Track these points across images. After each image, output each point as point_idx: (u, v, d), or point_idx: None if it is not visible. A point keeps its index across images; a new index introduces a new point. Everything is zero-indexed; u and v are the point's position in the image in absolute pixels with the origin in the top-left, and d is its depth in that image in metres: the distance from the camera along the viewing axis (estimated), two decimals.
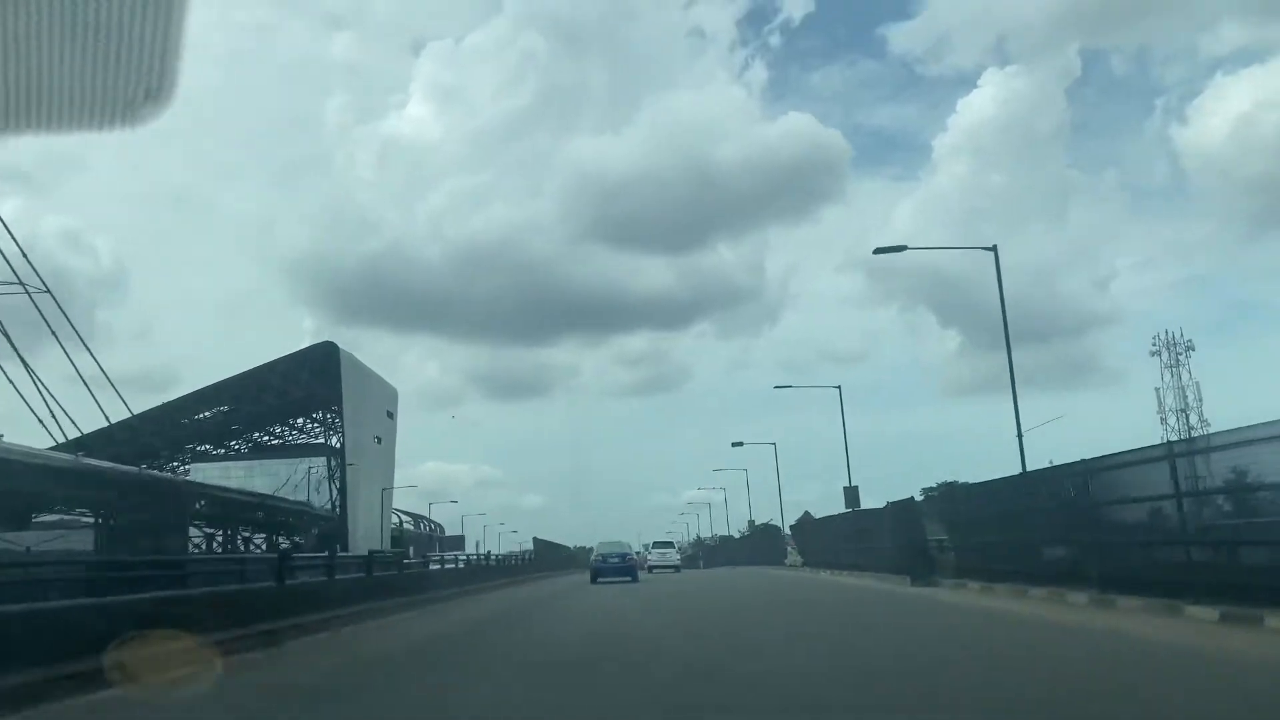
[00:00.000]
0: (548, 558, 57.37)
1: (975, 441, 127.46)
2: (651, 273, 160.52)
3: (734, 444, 56.57)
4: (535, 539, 61.27)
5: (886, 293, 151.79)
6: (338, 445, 66.28)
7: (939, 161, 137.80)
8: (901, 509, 25.99)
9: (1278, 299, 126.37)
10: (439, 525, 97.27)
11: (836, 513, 38.59)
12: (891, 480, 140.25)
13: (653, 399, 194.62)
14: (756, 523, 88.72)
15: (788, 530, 56.67)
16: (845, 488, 38.04)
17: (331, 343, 65.78)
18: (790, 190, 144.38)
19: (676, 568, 50.15)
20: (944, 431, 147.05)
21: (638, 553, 48.10)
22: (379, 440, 72.43)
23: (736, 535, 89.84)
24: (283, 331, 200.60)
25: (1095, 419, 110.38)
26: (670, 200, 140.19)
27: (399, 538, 69.35)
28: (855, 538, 32.32)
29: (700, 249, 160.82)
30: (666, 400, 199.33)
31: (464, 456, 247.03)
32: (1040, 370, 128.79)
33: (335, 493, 65.21)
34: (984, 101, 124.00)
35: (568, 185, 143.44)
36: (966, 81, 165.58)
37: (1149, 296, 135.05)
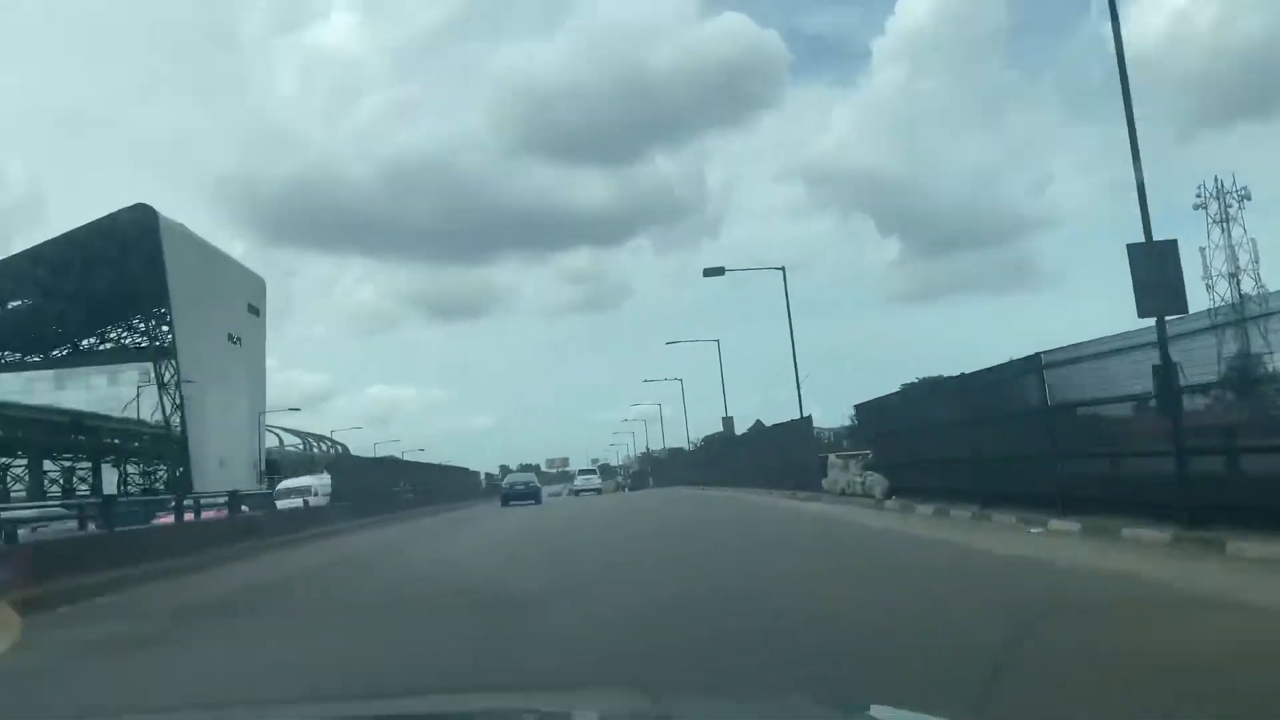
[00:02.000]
0: (446, 488, 51.72)
1: (919, 349, 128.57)
2: (589, 186, 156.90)
3: (669, 343, 52.84)
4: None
5: (825, 201, 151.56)
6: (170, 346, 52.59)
7: (878, 66, 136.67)
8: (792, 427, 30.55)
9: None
10: (342, 446, 73.40)
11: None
12: (840, 390, 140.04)
13: (594, 316, 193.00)
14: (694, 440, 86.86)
15: None
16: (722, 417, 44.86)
17: (146, 205, 49.86)
18: (727, 96, 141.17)
19: (598, 490, 58.28)
20: (890, 340, 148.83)
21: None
22: (236, 341, 56.20)
23: (688, 448, 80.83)
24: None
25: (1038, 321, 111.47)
26: (605, 109, 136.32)
27: (276, 463, 55.61)
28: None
29: (637, 160, 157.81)
30: (608, 317, 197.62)
31: (410, 380, 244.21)
32: (981, 275, 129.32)
33: (171, 408, 52.48)
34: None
35: (499, 96, 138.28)
36: None
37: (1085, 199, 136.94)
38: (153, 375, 53.73)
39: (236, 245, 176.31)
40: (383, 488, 35.70)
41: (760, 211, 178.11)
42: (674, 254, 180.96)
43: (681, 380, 61.54)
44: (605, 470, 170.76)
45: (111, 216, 49.17)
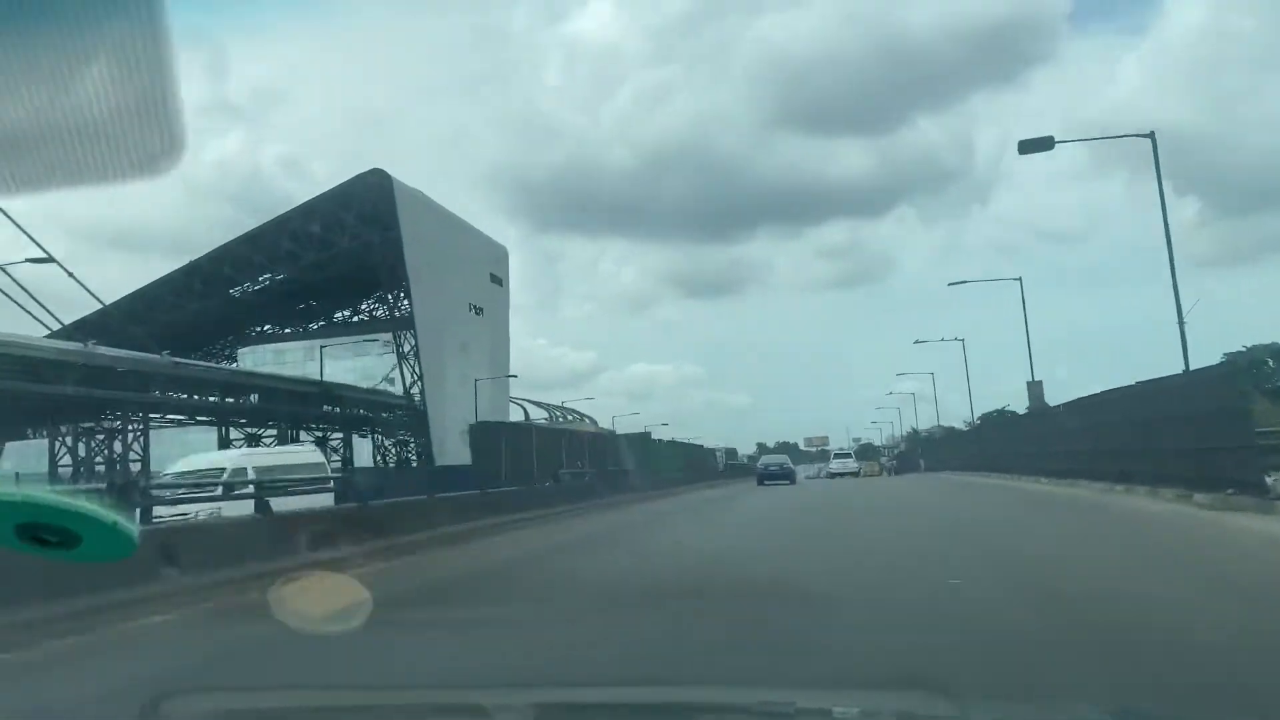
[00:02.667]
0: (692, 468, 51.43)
1: (1231, 316, 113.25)
2: (848, 157, 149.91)
3: (916, 342, 54.49)
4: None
5: (1110, 161, 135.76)
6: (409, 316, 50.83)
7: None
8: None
9: None
10: (588, 418, 69.96)
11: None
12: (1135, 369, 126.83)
13: (855, 291, 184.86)
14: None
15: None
16: (1028, 383, 36.99)
17: (380, 170, 48.25)
18: (997, 53, 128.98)
19: (855, 473, 57.08)
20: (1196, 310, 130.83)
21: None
22: (478, 310, 54.46)
23: (964, 426, 69.86)
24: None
25: None
26: (863, 77, 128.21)
27: None
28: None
29: (899, 127, 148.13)
30: (870, 291, 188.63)
31: (668, 357, 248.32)
32: None
33: (412, 379, 51.19)
34: None
35: (754, 71, 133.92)
36: None
37: None
38: (393, 345, 52.56)
39: (511, 231, 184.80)
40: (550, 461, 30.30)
41: (1036, 176, 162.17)
42: (941, 223, 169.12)
43: (963, 341, 52.84)
44: (866, 451, 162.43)
45: (349, 184, 48.25)
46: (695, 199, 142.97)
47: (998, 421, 52.68)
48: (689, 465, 52.95)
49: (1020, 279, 37.29)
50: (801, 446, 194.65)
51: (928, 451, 70.52)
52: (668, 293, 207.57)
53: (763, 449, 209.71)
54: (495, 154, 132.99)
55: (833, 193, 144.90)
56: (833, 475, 55.47)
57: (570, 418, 72.27)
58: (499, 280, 59.45)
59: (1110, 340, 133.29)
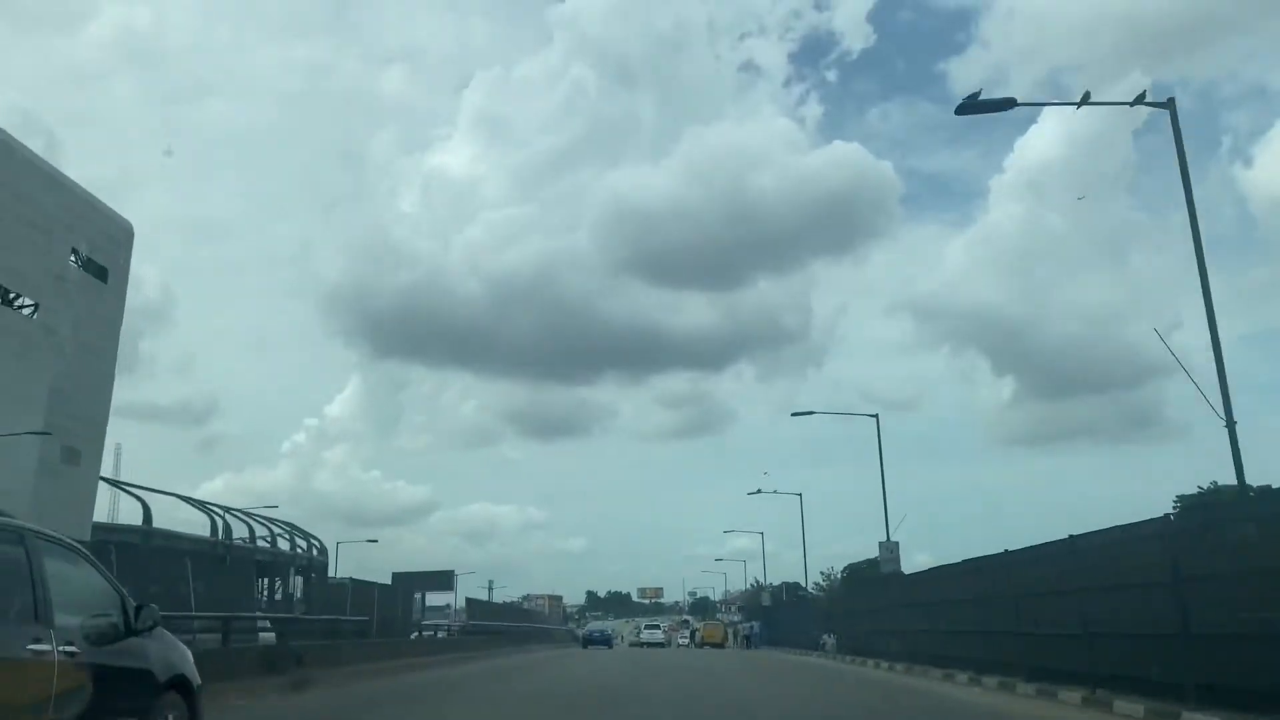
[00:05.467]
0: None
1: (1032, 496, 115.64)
2: (691, 310, 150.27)
3: (750, 493, 53.30)
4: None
5: (936, 337, 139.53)
6: None
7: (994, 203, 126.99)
8: None
9: None
10: (317, 545, 51.27)
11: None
12: (943, 536, 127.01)
13: (695, 442, 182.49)
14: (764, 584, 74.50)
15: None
16: (881, 543, 33.22)
17: None
18: (837, 225, 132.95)
19: (662, 644, 59.59)
20: (1000, 486, 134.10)
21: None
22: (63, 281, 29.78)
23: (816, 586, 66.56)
24: (320, 363, 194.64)
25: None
26: (710, 233, 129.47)
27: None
28: None
29: (741, 285, 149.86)
30: (709, 443, 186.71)
31: (509, 497, 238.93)
32: (1100, 421, 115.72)
33: None
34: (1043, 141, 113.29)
35: (606, 218, 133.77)
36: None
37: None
38: None
39: (350, 354, 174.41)
40: None
41: (868, 344, 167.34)
42: (777, 382, 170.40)
43: (800, 495, 52.59)
44: (701, 606, 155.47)
45: None
46: (542, 337, 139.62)
47: (860, 581, 46.33)
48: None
49: (877, 415, 34.82)
50: (635, 598, 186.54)
51: (767, 618, 60.71)
52: (510, 430, 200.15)
53: (593, 598, 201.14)
54: (339, 274, 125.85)
55: (676, 343, 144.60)
56: (644, 644, 58.05)
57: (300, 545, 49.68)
58: (102, 271, 32.38)
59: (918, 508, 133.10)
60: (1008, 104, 15.50)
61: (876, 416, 34.75)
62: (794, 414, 40.16)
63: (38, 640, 5.05)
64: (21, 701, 4.90)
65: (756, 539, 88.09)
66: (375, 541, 65.52)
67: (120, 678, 5.83)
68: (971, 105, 15.37)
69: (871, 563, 44.42)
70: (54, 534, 5.83)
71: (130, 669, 5.96)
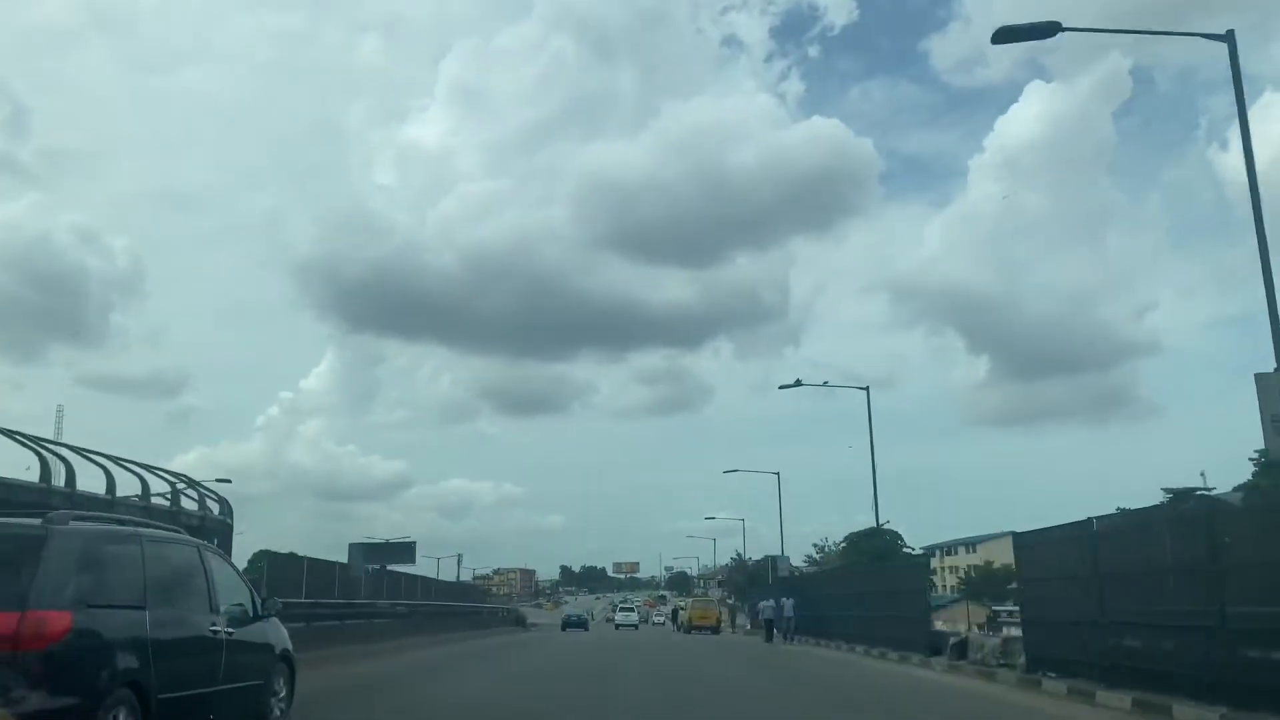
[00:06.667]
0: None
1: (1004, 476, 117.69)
2: (669, 286, 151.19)
3: (726, 471, 54.63)
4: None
5: (912, 316, 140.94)
6: None
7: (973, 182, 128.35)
8: None
9: None
10: (216, 502, 27.12)
11: None
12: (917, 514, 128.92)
13: (672, 419, 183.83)
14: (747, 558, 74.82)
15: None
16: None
17: None
18: (816, 203, 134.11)
19: (635, 626, 58.24)
20: (972, 464, 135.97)
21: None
22: None
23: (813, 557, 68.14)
24: (294, 336, 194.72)
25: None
26: (688, 209, 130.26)
27: None
28: None
29: (719, 262, 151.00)
30: (686, 420, 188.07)
31: (486, 474, 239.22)
32: (1073, 402, 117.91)
33: None
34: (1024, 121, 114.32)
35: (583, 192, 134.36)
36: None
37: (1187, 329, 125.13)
38: None
39: (323, 327, 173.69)
40: None
41: (845, 321, 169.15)
42: (754, 360, 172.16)
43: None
44: (679, 581, 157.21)
45: None
46: (519, 312, 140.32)
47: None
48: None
49: (868, 388, 32.92)
50: (610, 572, 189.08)
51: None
52: (487, 406, 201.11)
53: (567, 574, 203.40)
54: (313, 246, 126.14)
55: (654, 320, 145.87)
56: (618, 626, 57.90)
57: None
58: None
59: (912, 487, 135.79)
60: (1051, 29, 13.61)
61: (867, 389, 33.09)
62: (781, 386, 39.11)
63: (214, 624, 7.32)
64: (207, 667, 7.17)
65: (736, 515, 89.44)
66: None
67: (254, 650, 8.12)
68: (1010, 32, 13.86)
69: (869, 533, 43.41)
70: (213, 545, 8.10)
71: (259, 644, 8.25)
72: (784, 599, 35.71)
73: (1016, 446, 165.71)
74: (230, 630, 7.59)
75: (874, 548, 42.02)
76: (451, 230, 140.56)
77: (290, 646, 8.95)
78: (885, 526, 49.17)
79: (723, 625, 49.30)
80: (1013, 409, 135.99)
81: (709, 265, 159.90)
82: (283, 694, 8.60)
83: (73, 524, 6.28)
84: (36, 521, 6.08)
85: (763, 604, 38.91)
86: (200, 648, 7.16)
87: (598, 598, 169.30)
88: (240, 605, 8.10)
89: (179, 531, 8.15)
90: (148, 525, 7.70)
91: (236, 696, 7.63)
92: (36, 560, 5.72)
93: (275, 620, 8.85)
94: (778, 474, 51.22)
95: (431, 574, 58.34)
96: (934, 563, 71.12)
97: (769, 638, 34.98)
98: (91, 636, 5.86)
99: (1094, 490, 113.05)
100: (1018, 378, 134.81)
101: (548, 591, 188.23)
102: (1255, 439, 11.73)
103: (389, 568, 38.05)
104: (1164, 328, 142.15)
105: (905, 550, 52.50)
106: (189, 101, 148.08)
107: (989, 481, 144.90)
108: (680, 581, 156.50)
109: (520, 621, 55.67)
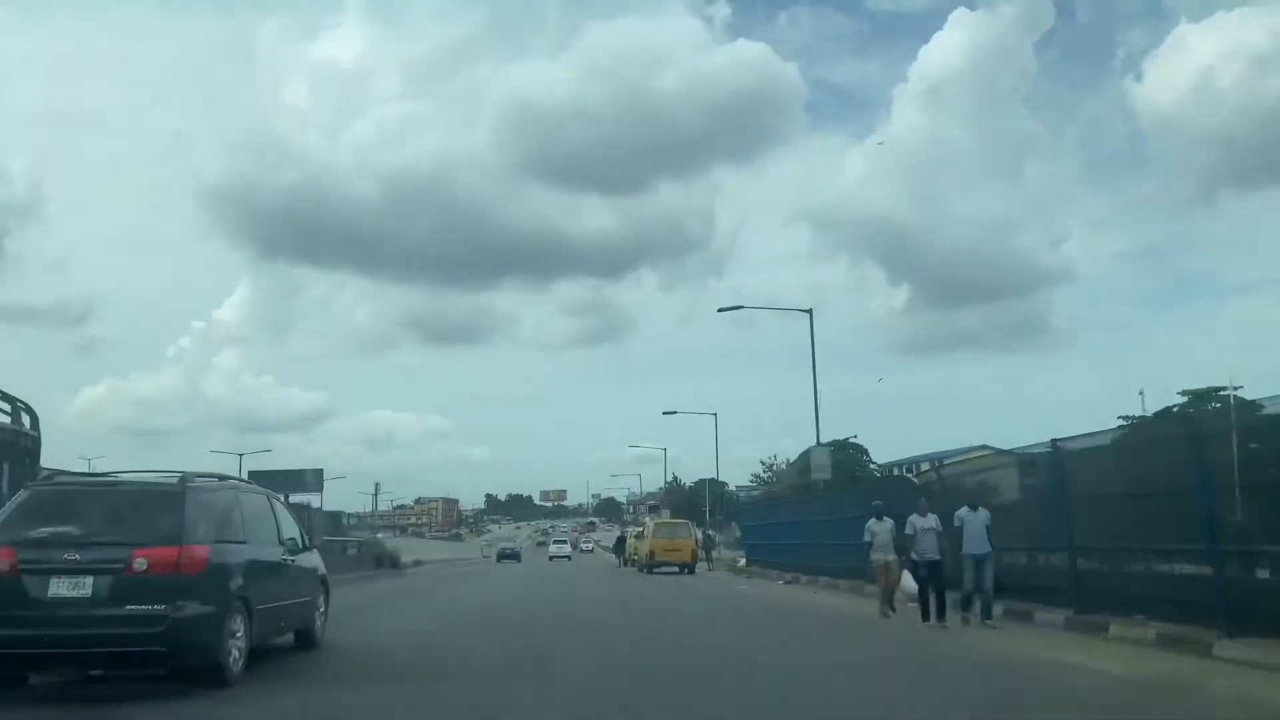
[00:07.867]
0: None
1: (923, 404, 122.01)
2: (593, 214, 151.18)
3: (665, 413, 58.59)
4: None
5: (834, 245, 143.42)
6: None
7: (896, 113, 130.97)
8: None
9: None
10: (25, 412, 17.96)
11: None
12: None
13: (597, 350, 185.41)
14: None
15: None
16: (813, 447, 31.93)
17: None
18: (740, 130, 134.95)
19: (568, 557, 64.83)
20: (893, 393, 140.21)
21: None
22: None
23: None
24: (205, 264, 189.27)
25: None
26: (611, 135, 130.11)
27: None
28: None
29: (643, 190, 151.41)
30: (611, 351, 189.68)
31: (410, 405, 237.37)
32: (989, 331, 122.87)
33: None
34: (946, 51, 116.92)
35: (504, 117, 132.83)
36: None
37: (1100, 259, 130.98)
38: None
39: (235, 255, 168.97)
40: None
41: (768, 252, 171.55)
42: (679, 290, 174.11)
43: (715, 415, 57.38)
44: (607, 507, 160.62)
45: None
46: (440, 241, 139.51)
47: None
48: None
49: (810, 310, 31.88)
50: (537, 500, 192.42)
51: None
52: (409, 337, 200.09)
53: (493, 502, 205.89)
54: (222, 171, 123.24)
55: (578, 249, 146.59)
56: (552, 557, 63.77)
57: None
58: None
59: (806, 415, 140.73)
60: None
61: (810, 312, 32.01)
62: (721, 309, 35.73)
63: (282, 554, 9.49)
64: (280, 586, 9.40)
65: (660, 445, 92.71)
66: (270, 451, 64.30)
67: (306, 574, 10.33)
68: None
69: (836, 447, 39.83)
70: (274, 493, 10.24)
71: (309, 569, 10.46)
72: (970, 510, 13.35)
73: (935, 375, 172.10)
74: (291, 558, 9.77)
75: (839, 463, 39.79)
76: (368, 155, 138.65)
77: (326, 572, 11.18)
78: (853, 440, 52.69)
79: (696, 561, 35.54)
80: (929, 338, 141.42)
81: (633, 193, 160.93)
82: (322, 608, 10.85)
83: (198, 480, 8.39)
84: (175, 480, 8.16)
85: (921, 520, 13.76)
86: (276, 571, 9.34)
87: (518, 526, 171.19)
88: (293, 539, 10.22)
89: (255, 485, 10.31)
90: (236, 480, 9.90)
91: (297, 609, 9.87)
92: (181, 508, 7.82)
93: (316, 551, 11.04)
94: (715, 414, 55.89)
95: (346, 507, 57.28)
96: None
97: (940, 613, 13.44)
98: (219, 563, 8.02)
99: (1020, 414, 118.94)
100: (936, 307, 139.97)
101: (470, 520, 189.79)
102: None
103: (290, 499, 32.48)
104: (1078, 257, 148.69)
105: (871, 466, 55.27)
106: (89, 17, 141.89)
107: (912, 408, 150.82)
108: (609, 508, 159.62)
109: (388, 562, 35.79)
